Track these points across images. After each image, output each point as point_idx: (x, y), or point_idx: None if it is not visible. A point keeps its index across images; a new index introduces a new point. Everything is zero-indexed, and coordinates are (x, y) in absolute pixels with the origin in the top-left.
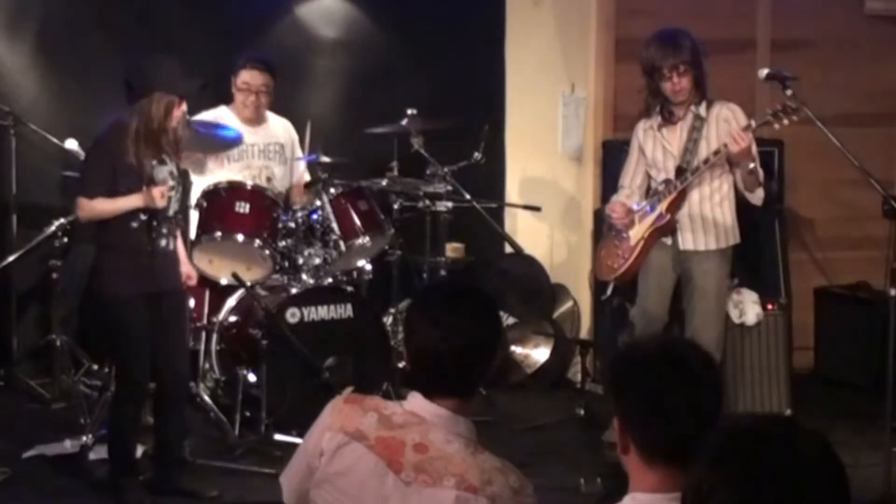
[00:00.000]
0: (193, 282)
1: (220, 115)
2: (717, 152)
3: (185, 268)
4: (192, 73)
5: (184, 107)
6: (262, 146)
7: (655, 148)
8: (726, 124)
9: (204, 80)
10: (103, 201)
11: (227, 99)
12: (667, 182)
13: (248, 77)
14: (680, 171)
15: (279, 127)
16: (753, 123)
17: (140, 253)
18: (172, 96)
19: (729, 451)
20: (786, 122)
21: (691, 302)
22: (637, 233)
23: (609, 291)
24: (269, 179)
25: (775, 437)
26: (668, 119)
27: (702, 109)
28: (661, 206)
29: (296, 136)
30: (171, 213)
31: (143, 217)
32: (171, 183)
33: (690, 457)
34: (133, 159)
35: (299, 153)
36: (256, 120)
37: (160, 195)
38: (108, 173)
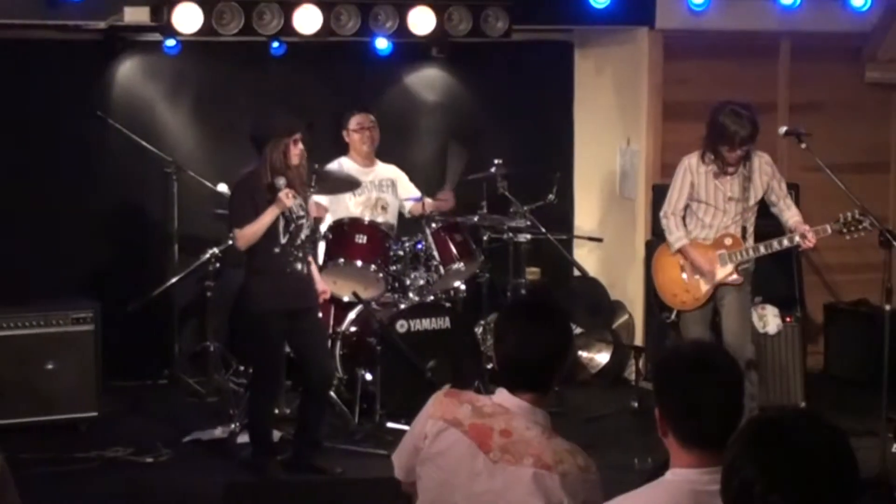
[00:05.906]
0: (327, 296)
1: (341, 162)
2: (791, 239)
3: (320, 286)
4: (299, 116)
5: (300, 144)
6: (376, 182)
7: (715, 191)
8: (766, 176)
9: (309, 121)
10: (251, 225)
11: (345, 152)
12: (739, 246)
13: (358, 119)
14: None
15: (387, 168)
16: (829, 230)
17: (281, 274)
18: (286, 138)
19: (758, 435)
20: (854, 235)
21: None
22: (710, 282)
23: (673, 316)
24: (384, 208)
25: (797, 427)
26: (723, 171)
27: (747, 165)
28: (732, 266)
29: (403, 175)
30: (302, 237)
31: (283, 241)
32: (293, 196)
33: (721, 441)
34: (268, 195)
35: (409, 189)
36: (370, 159)
37: (286, 196)
38: (251, 208)
